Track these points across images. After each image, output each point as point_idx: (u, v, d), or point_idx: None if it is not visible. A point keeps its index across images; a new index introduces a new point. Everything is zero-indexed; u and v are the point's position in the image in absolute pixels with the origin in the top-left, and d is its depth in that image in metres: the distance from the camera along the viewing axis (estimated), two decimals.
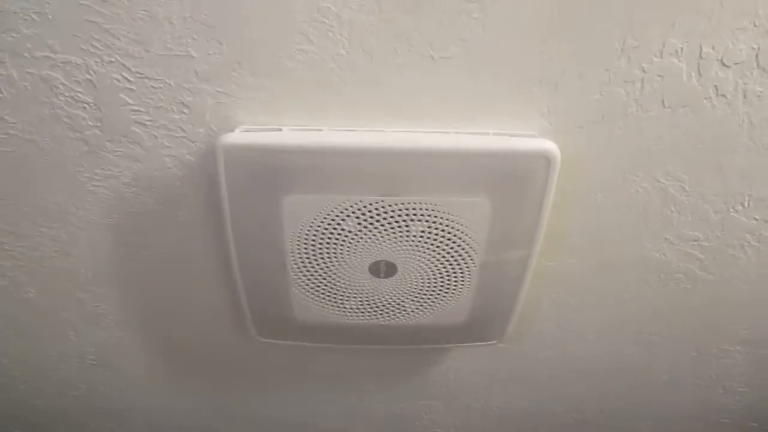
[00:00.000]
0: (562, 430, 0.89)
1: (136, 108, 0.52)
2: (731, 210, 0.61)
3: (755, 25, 0.48)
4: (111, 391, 0.81)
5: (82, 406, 0.83)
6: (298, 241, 0.56)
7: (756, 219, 0.62)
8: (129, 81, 0.51)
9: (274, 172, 0.52)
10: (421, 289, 0.61)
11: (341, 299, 0.62)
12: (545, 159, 0.52)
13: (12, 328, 0.72)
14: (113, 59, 0.49)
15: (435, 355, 0.77)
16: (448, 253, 0.58)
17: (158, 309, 0.70)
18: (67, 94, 0.51)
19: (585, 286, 0.68)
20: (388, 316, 0.64)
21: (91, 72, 0.50)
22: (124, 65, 0.50)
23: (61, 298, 0.68)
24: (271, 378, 0.80)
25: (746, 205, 0.60)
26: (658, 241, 0.63)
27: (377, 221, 0.55)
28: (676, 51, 0.49)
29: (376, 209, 0.54)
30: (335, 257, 0.58)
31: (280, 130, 0.53)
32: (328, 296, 0.62)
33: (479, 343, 0.69)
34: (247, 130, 0.53)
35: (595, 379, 0.81)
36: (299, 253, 0.57)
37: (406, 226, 0.55)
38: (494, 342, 0.69)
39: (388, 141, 0.51)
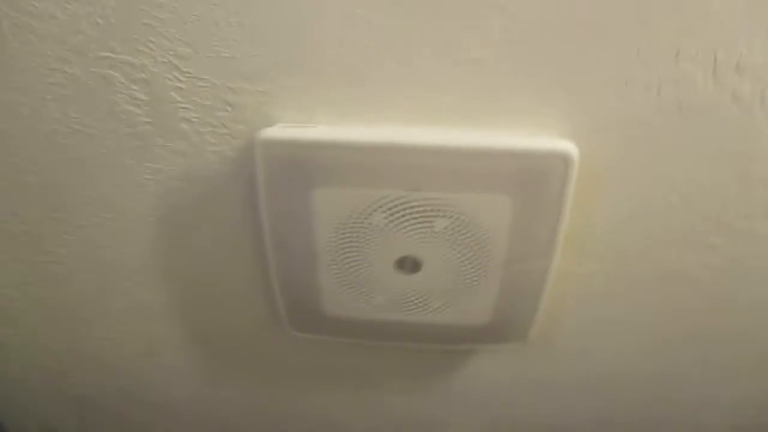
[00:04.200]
0: None
1: (184, 106, 0.57)
2: (756, 219, 0.61)
3: None
4: (152, 381, 0.85)
5: (127, 398, 0.88)
6: (329, 233, 0.60)
7: None
8: (179, 80, 0.56)
9: (307, 165, 0.56)
10: (445, 286, 0.64)
11: (368, 294, 0.65)
12: (563, 159, 0.54)
13: (64, 316, 0.78)
14: (166, 60, 0.54)
15: (460, 358, 0.79)
16: (471, 250, 0.60)
17: (198, 301, 0.74)
18: (124, 92, 0.57)
19: (610, 292, 0.69)
20: (414, 313, 0.67)
21: (146, 71, 0.55)
22: (175, 66, 0.55)
23: (111, 288, 0.73)
24: (301, 375, 0.83)
25: None
26: (682, 251, 0.64)
27: (403, 216, 0.58)
28: (691, 57, 0.51)
29: (402, 204, 0.57)
30: (363, 251, 0.61)
31: (315, 127, 0.57)
32: (356, 290, 0.65)
33: (503, 345, 0.71)
34: (284, 127, 0.57)
35: (622, 394, 0.81)
36: (329, 245, 0.61)
37: (430, 222, 0.58)
38: (518, 344, 0.71)
39: (412, 137, 0.54)
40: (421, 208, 0.57)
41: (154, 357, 0.81)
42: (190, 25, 0.52)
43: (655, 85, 0.53)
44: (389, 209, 0.58)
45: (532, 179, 0.55)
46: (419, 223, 0.58)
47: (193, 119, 0.58)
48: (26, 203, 0.66)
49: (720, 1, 0.49)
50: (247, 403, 0.87)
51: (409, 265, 0.62)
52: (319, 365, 0.81)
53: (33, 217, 0.67)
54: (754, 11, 0.49)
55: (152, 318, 0.76)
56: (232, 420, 0.90)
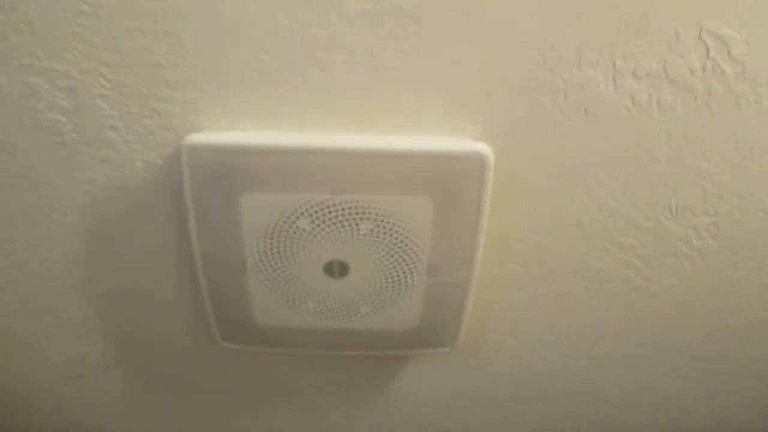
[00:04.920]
0: None
1: (110, 113, 0.58)
2: (661, 217, 0.65)
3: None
4: (82, 404, 0.83)
5: (57, 424, 0.85)
6: (256, 239, 0.61)
7: (685, 227, 0.66)
8: (105, 87, 0.56)
9: (232, 170, 0.57)
10: (372, 291, 0.65)
11: (299, 301, 0.66)
12: (479, 160, 0.57)
13: None
14: (91, 67, 0.55)
15: (395, 367, 0.80)
16: (395, 253, 0.62)
17: (127, 315, 0.73)
18: (48, 99, 0.57)
19: (532, 294, 0.72)
20: (344, 319, 0.68)
21: (71, 79, 0.56)
22: (101, 73, 0.56)
23: (33, 306, 0.72)
24: (235, 393, 0.82)
25: (674, 212, 0.65)
26: (596, 249, 0.68)
27: (328, 220, 0.59)
28: (592, 63, 0.55)
29: (327, 207, 0.59)
30: (291, 256, 0.62)
31: (240, 133, 0.58)
32: (287, 297, 0.66)
33: (432, 350, 0.73)
34: (210, 133, 0.58)
35: (552, 397, 0.83)
36: (257, 252, 0.62)
37: (356, 224, 0.60)
38: (448, 349, 0.72)
39: (334, 141, 0.56)
40: (345, 211, 0.59)
41: (82, 378, 0.79)
42: (115, 32, 0.54)
43: (561, 89, 0.57)
44: (314, 213, 0.59)
45: (451, 180, 0.58)
46: (344, 226, 0.60)
47: (120, 127, 0.59)
48: None
49: (614, 11, 0.53)
50: (180, 421, 0.85)
51: (337, 269, 0.63)
52: (253, 379, 0.80)
53: None
54: (645, 22, 0.53)
55: (78, 336, 0.75)
56: None
